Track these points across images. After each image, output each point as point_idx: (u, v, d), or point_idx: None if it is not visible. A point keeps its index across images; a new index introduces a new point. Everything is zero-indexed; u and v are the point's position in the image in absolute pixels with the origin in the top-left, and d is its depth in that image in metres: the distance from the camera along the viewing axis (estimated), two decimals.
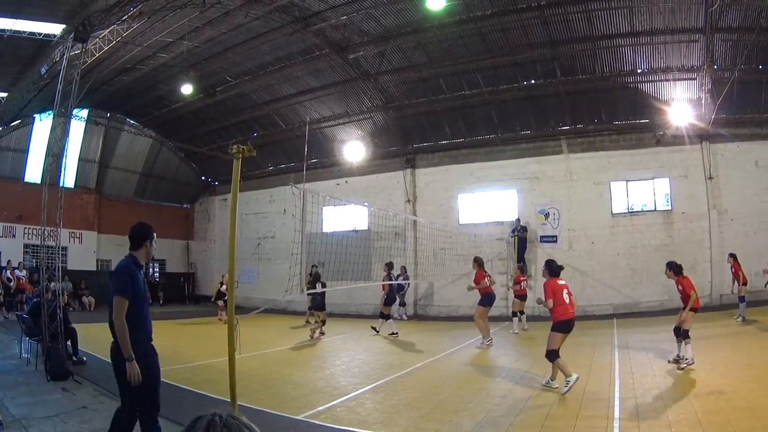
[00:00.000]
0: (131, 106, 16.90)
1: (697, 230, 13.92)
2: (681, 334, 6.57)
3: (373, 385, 6.30)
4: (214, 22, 12.95)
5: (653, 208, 14.34)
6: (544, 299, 5.82)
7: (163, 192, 19.44)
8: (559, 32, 12.97)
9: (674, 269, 6.89)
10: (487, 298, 9.32)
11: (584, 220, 14.22)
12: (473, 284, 9.54)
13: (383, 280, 11.28)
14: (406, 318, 14.10)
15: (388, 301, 11.46)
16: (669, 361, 6.75)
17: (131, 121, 17.78)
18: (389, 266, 11.67)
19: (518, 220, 14.30)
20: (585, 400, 5.26)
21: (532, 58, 13.68)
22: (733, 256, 11.09)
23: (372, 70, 14.35)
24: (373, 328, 11.22)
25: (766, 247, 13.78)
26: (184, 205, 20.01)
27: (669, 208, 14.23)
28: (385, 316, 11.18)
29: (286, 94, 15.30)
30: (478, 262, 9.76)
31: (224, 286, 12.25)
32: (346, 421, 4.75)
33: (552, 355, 5.62)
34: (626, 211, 14.38)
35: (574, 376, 5.43)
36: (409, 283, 14.07)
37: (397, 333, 10.69)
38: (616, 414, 4.77)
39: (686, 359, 6.42)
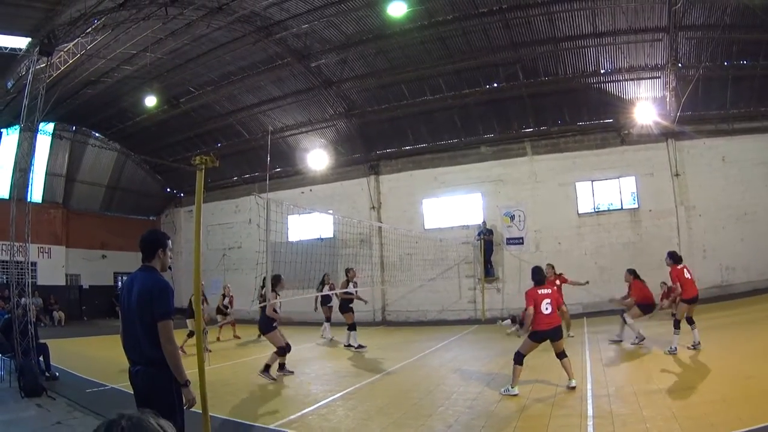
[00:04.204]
0: (96, 119, 17.82)
1: (665, 227, 14.90)
2: (674, 324, 7.50)
3: (344, 392, 6.58)
4: (176, 33, 13.86)
5: (620, 207, 15.30)
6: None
7: (129, 205, 20.41)
8: (521, 35, 13.87)
9: (671, 257, 7.81)
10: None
11: (550, 221, 15.14)
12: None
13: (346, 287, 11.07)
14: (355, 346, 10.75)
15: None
16: (687, 347, 7.46)
17: (96, 134, 18.71)
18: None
19: (484, 223, 15.19)
20: (558, 399, 5.55)
21: (494, 62, 14.58)
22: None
23: (334, 78, 15.33)
24: (350, 346, 10.59)
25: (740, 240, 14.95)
26: (150, 218, 20.97)
27: (636, 206, 15.22)
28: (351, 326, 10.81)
29: (249, 104, 16.23)
30: (553, 268, 10.52)
31: (226, 299, 12.87)
32: (319, 429, 4.98)
33: (517, 356, 5.92)
34: (592, 210, 15.31)
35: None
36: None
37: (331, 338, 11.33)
38: (590, 412, 4.96)
39: (672, 348, 7.34)
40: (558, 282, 10.12)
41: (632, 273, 9.22)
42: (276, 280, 7.94)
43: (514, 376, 5.88)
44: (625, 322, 8.79)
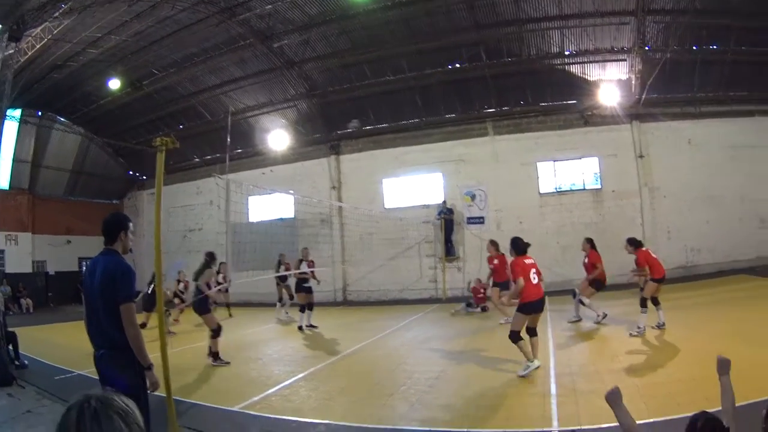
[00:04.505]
0: (61, 103, 17.74)
1: (629, 208, 14.93)
2: (641, 303, 7.44)
3: (306, 372, 6.64)
4: (141, 16, 13.90)
5: (582, 187, 15.39)
6: (511, 279, 5.86)
7: (93, 189, 20.32)
8: (485, 16, 13.94)
9: (632, 243, 7.82)
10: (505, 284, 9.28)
11: (512, 201, 15.17)
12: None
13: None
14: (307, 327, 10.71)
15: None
16: (652, 327, 7.38)
17: (61, 119, 18.67)
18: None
19: (444, 202, 15.20)
20: (520, 378, 5.57)
21: (457, 43, 14.64)
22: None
23: (296, 59, 15.35)
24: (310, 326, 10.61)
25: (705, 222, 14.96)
26: (114, 201, 20.91)
27: (599, 186, 15.28)
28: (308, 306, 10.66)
29: (211, 85, 16.24)
30: (496, 245, 9.70)
31: (181, 284, 12.81)
32: (281, 410, 5.01)
33: (513, 336, 5.64)
34: (554, 190, 15.39)
35: (536, 363, 5.49)
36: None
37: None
38: (553, 390, 5.01)
39: (639, 327, 7.26)
40: (497, 261, 9.57)
41: (590, 242, 9.08)
42: (211, 258, 7.87)
43: (524, 353, 5.57)
44: (581, 303, 8.67)
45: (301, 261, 10.82)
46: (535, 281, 5.70)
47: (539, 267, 5.97)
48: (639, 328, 7.27)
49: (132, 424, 1.05)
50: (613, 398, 2.13)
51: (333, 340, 9.26)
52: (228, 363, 7.34)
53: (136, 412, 1.08)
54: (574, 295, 8.91)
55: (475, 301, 11.83)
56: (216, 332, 7.46)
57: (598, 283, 8.71)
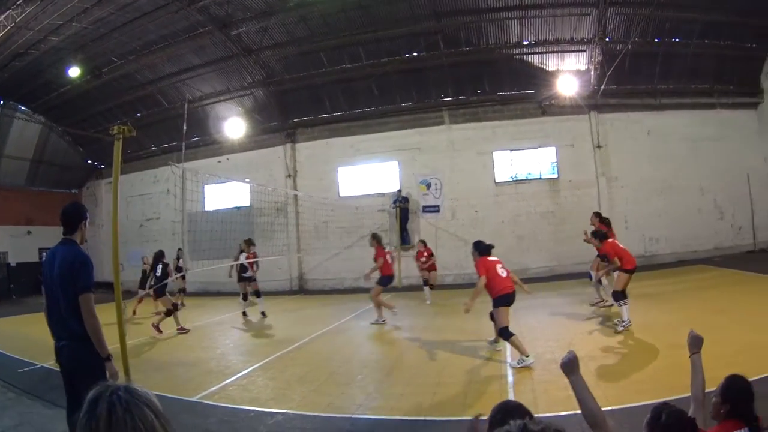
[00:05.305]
0: (23, 92, 17.70)
1: (585, 197, 15.02)
2: (613, 297, 7.17)
3: (264, 361, 6.74)
4: (103, 2, 13.89)
5: (539, 177, 15.48)
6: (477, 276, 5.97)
7: (52, 178, 20.15)
8: (444, 5, 14.02)
9: (598, 237, 7.58)
10: (387, 279, 9.17)
11: (467, 190, 15.26)
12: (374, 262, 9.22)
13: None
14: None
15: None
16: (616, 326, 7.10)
17: (22, 108, 18.58)
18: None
19: (399, 191, 15.28)
20: (476, 367, 5.70)
21: (415, 32, 14.72)
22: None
23: (254, 46, 15.39)
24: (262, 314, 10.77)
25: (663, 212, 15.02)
26: (72, 191, 20.78)
27: (555, 176, 15.38)
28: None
29: (169, 73, 16.22)
30: (377, 239, 9.53)
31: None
32: (239, 400, 5.12)
33: (505, 333, 5.69)
34: (510, 179, 15.49)
35: (531, 359, 5.48)
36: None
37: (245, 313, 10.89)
38: (510, 379, 5.14)
39: (623, 321, 6.92)
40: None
41: (598, 216, 8.88)
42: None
43: (518, 348, 5.60)
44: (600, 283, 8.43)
45: (241, 252, 10.93)
46: (504, 275, 5.89)
47: (497, 257, 6.21)
48: (623, 321, 6.89)
49: (159, 414, 1.03)
50: (570, 366, 1.94)
51: (289, 329, 9.31)
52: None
53: (156, 401, 1.06)
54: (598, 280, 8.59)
55: (418, 267, 11.82)
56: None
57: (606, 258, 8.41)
